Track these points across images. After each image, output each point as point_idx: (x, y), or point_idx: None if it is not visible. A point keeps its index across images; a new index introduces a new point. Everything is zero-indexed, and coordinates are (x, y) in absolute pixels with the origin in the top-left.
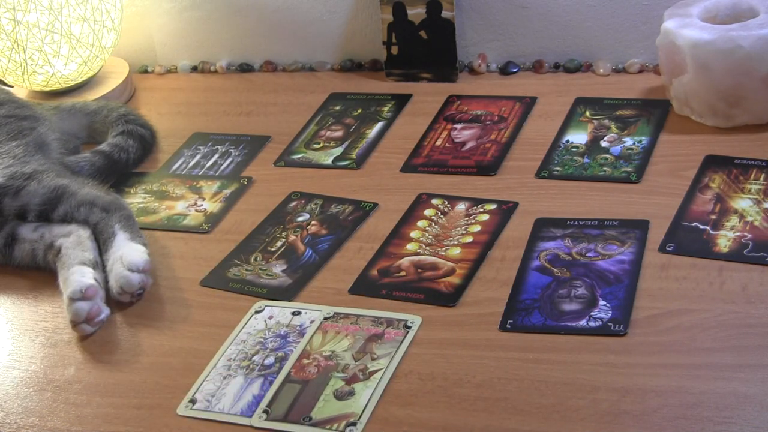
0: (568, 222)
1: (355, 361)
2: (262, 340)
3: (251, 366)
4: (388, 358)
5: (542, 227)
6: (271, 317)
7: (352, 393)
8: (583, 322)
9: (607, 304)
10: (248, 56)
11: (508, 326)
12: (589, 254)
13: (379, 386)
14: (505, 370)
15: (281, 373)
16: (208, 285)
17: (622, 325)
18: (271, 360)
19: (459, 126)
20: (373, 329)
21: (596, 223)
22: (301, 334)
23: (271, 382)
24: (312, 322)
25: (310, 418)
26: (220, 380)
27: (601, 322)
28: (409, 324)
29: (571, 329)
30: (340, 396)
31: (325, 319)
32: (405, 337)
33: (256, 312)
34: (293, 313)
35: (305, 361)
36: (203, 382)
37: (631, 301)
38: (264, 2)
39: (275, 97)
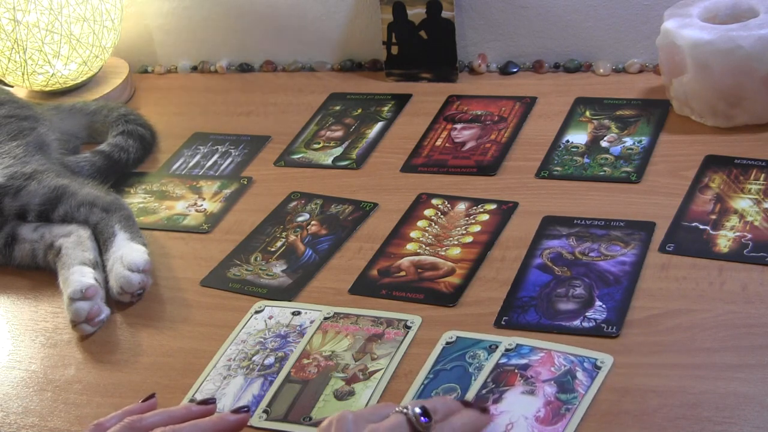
0: (575, 221)
1: (355, 361)
2: (262, 340)
3: (251, 366)
4: (388, 358)
5: (548, 225)
6: (271, 317)
7: (352, 393)
8: (577, 322)
9: (603, 305)
10: (248, 56)
11: (503, 323)
12: (591, 254)
13: (379, 386)
14: None
15: (281, 373)
16: (208, 285)
17: (615, 327)
18: (271, 360)
19: (459, 126)
20: (373, 329)
21: (602, 223)
22: (301, 334)
23: (271, 382)
24: (312, 322)
25: (310, 418)
26: (220, 380)
27: (594, 323)
28: (409, 324)
29: (564, 329)
30: (340, 396)
31: (325, 319)
32: (405, 337)
33: (256, 312)
34: (293, 313)
35: (305, 361)
36: (203, 382)
37: (627, 303)
38: (264, 2)
39: (275, 97)
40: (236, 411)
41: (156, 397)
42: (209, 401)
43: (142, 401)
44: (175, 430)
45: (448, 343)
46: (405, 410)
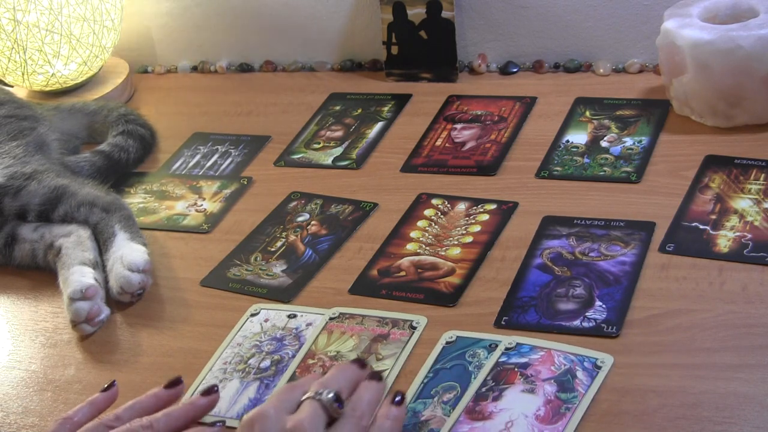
0: (575, 221)
1: None
2: (257, 343)
3: (247, 369)
4: (393, 358)
5: (549, 225)
6: (266, 320)
7: None
8: (577, 322)
9: (603, 305)
10: (248, 56)
11: (503, 323)
12: (591, 254)
13: (384, 387)
14: None
15: (287, 372)
16: (208, 285)
17: (615, 327)
18: (267, 363)
19: (459, 126)
20: (379, 330)
21: (603, 223)
22: (297, 337)
23: (267, 386)
24: (308, 324)
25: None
26: (216, 383)
27: (594, 323)
28: (414, 324)
29: (564, 329)
30: None
31: (331, 319)
32: (410, 337)
33: (252, 315)
34: (289, 316)
35: (310, 361)
36: (199, 385)
37: (627, 303)
38: (264, 2)
39: (275, 97)
40: (206, 393)
41: (117, 385)
42: (176, 383)
43: (103, 390)
44: (151, 420)
45: (448, 343)
46: (318, 396)
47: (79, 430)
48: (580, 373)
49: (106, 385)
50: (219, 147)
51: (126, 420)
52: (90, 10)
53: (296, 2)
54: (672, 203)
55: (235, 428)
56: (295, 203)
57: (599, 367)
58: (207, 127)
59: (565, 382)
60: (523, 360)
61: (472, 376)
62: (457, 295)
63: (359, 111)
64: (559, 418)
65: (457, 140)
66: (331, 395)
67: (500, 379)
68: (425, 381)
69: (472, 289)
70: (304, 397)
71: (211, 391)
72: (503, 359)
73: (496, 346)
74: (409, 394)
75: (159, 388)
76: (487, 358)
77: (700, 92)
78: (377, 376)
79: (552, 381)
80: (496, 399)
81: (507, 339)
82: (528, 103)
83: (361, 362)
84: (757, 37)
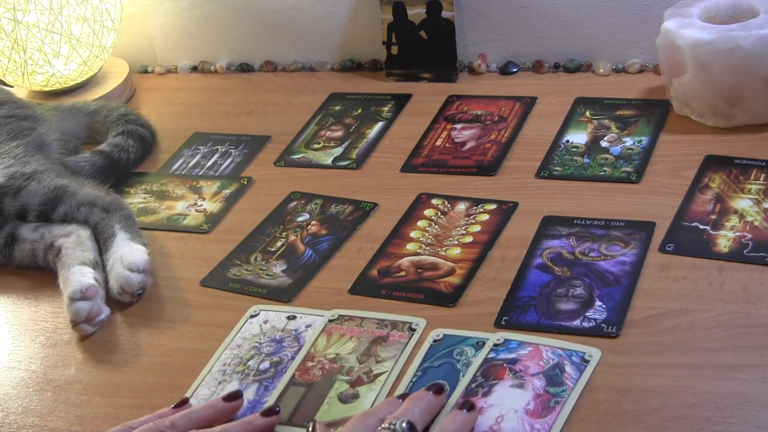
0: (575, 221)
1: (360, 364)
2: (257, 344)
3: (246, 371)
4: (392, 360)
5: (549, 225)
6: (266, 321)
7: (356, 396)
8: (577, 322)
9: (603, 305)
10: (248, 56)
11: (503, 323)
12: (591, 254)
13: (384, 389)
14: None
15: (285, 375)
16: (208, 285)
17: (615, 327)
18: (266, 365)
19: (459, 126)
20: (378, 332)
21: (602, 223)
22: (297, 338)
23: (266, 387)
24: (308, 326)
25: (315, 421)
26: (215, 385)
27: (594, 323)
28: (413, 326)
29: (564, 329)
30: (344, 399)
31: (330, 321)
32: (410, 339)
33: (251, 316)
34: (288, 318)
35: (309, 363)
36: (198, 387)
37: (627, 303)
38: (264, 2)
39: (275, 97)
40: (266, 413)
41: (189, 403)
42: (235, 396)
43: (175, 407)
44: None
45: (435, 341)
46: (392, 427)
47: (135, 430)
48: (568, 367)
49: (178, 402)
50: (219, 147)
51: (182, 429)
52: (90, 10)
53: (296, 2)
54: (672, 203)
55: None
56: (295, 203)
57: (587, 361)
58: (207, 127)
59: (553, 377)
60: (512, 355)
61: (461, 374)
62: (457, 295)
63: (359, 111)
64: (548, 412)
65: (457, 140)
66: (405, 425)
67: (489, 374)
68: (413, 380)
69: (472, 289)
70: (379, 428)
71: (272, 412)
72: (492, 355)
73: (483, 343)
74: (398, 393)
75: (218, 400)
76: (474, 355)
77: (700, 92)
78: (468, 405)
79: (541, 375)
80: (485, 394)
81: (495, 336)
82: (528, 103)
83: (437, 388)
84: (757, 37)
